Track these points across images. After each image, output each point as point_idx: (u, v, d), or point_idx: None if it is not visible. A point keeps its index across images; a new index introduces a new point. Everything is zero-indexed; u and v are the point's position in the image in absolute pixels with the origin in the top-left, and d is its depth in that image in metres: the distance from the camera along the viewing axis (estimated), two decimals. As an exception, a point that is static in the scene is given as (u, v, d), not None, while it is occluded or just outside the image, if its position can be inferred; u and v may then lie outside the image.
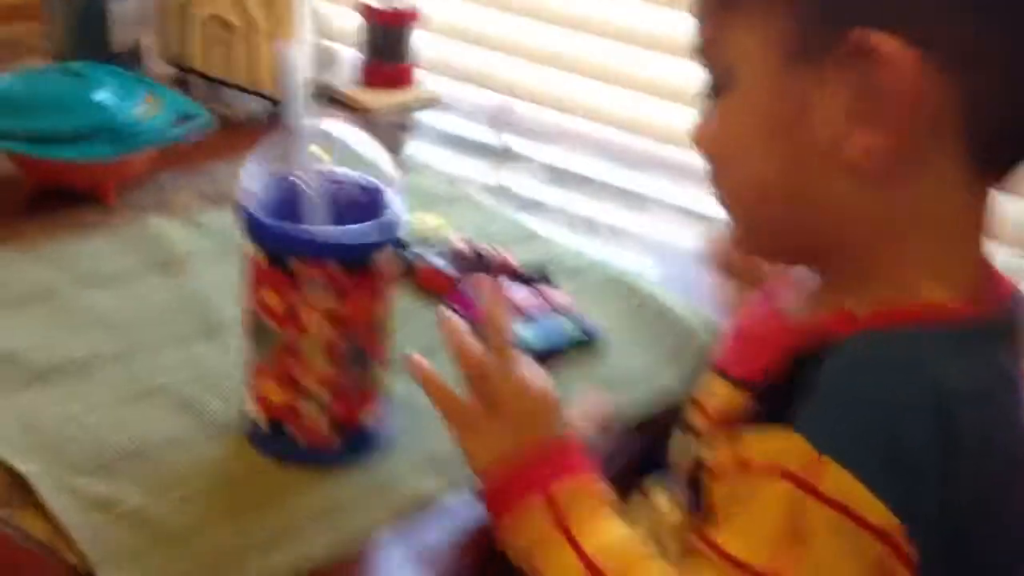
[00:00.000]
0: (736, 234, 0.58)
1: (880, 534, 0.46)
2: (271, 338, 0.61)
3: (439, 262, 0.84)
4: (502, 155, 1.19)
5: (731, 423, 0.53)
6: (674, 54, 1.26)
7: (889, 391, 0.48)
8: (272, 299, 0.61)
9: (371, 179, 0.64)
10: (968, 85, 0.48)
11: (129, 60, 1.12)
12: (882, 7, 0.48)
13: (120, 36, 1.11)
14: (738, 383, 0.55)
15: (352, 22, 1.25)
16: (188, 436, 0.65)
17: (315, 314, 0.60)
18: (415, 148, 1.18)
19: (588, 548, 0.54)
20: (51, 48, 1.13)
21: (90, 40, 1.10)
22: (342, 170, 0.64)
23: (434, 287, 0.84)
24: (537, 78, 1.36)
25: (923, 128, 0.48)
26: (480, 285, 0.64)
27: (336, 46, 1.33)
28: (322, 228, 0.61)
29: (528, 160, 1.16)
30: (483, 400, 0.60)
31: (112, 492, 0.59)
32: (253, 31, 1.10)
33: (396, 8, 1.22)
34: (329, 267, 0.60)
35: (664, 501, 0.62)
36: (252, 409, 0.64)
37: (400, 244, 0.84)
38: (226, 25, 1.12)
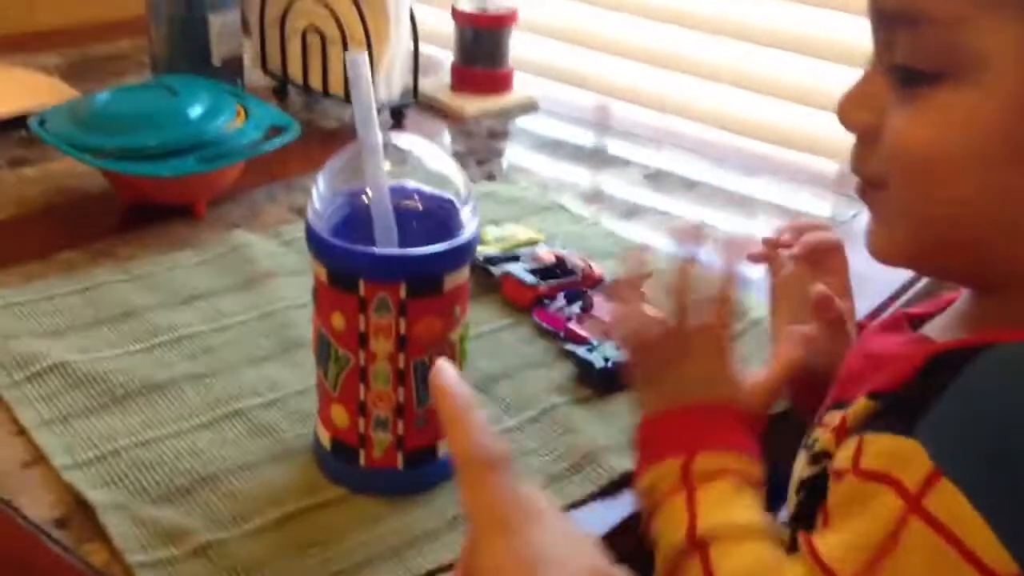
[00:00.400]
0: (890, 244, 0.50)
1: None
2: (338, 361, 0.59)
3: (526, 276, 0.81)
4: (601, 159, 1.15)
5: (856, 428, 0.48)
6: (782, 50, 1.21)
7: None
8: (339, 321, 0.58)
9: (444, 195, 0.61)
10: None
11: (228, 72, 1.12)
12: None
13: (220, 49, 1.12)
14: (870, 395, 0.49)
15: (449, 26, 1.23)
16: (261, 461, 0.64)
17: (383, 337, 0.58)
18: (511, 154, 1.15)
19: (702, 524, 0.50)
20: (153, 62, 1.14)
21: (190, 53, 1.11)
22: (414, 186, 0.62)
23: (520, 301, 0.81)
24: (637, 77, 1.32)
25: None
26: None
27: (433, 51, 1.31)
28: (391, 248, 0.59)
29: (628, 163, 1.12)
30: (679, 341, 0.57)
31: (181, 523, 0.58)
32: (349, 40, 1.09)
33: (490, 11, 1.19)
34: (398, 289, 0.57)
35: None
36: (322, 433, 0.62)
37: (475, 262, 0.82)
38: (323, 35, 1.11)
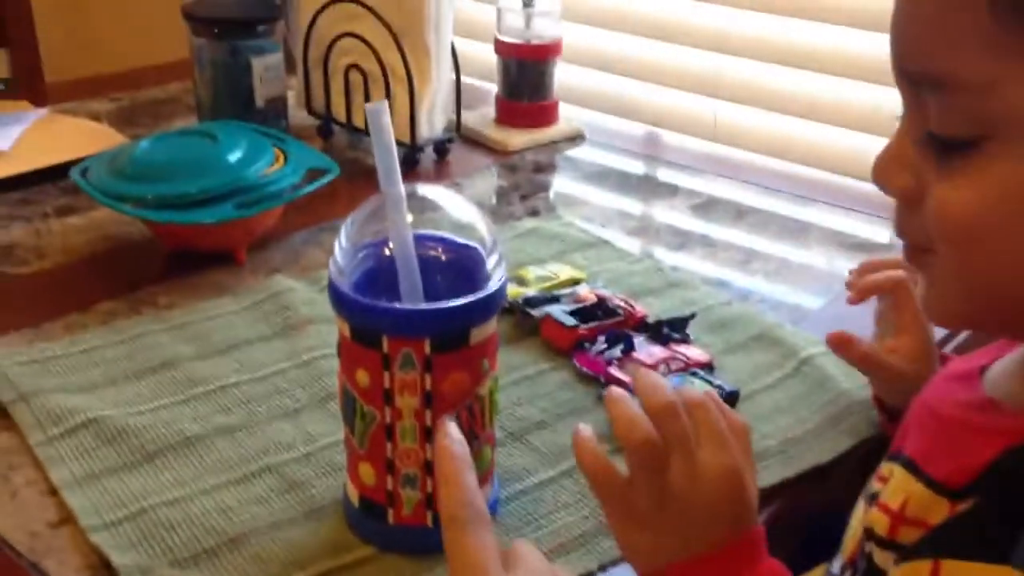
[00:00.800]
0: (943, 308, 0.48)
1: None
2: (364, 418, 0.58)
3: (566, 318, 0.79)
4: (649, 189, 1.13)
5: (925, 536, 0.44)
6: (832, 75, 1.18)
7: None
8: (363, 377, 0.57)
9: (470, 244, 0.60)
10: None
11: (272, 113, 1.13)
12: None
13: (263, 91, 1.12)
14: (935, 484, 0.46)
15: (492, 59, 1.22)
16: (290, 519, 0.62)
17: (408, 393, 0.56)
18: (557, 186, 1.13)
19: None
20: (198, 105, 1.15)
21: (234, 96, 1.11)
22: (439, 237, 0.60)
23: (560, 344, 0.78)
24: (684, 105, 1.30)
25: None
26: (636, 373, 0.55)
27: (478, 84, 1.30)
28: (416, 302, 0.57)
29: (676, 192, 1.09)
30: (655, 488, 0.51)
31: (206, 586, 0.57)
32: (390, 77, 1.08)
33: (533, 42, 1.18)
34: (422, 344, 0.55)
35: None
36: (351, 491, 0.61)
37: (514, 304, 0.80)
38: (364, 73, 1.11)
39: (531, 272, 0.87)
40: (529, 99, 1.19)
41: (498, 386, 0.60)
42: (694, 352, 0.77)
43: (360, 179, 1.07)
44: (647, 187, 1.14)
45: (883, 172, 0.47)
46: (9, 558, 0.59)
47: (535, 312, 0.81)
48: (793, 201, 1.08)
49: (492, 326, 0.58)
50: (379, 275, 0.59)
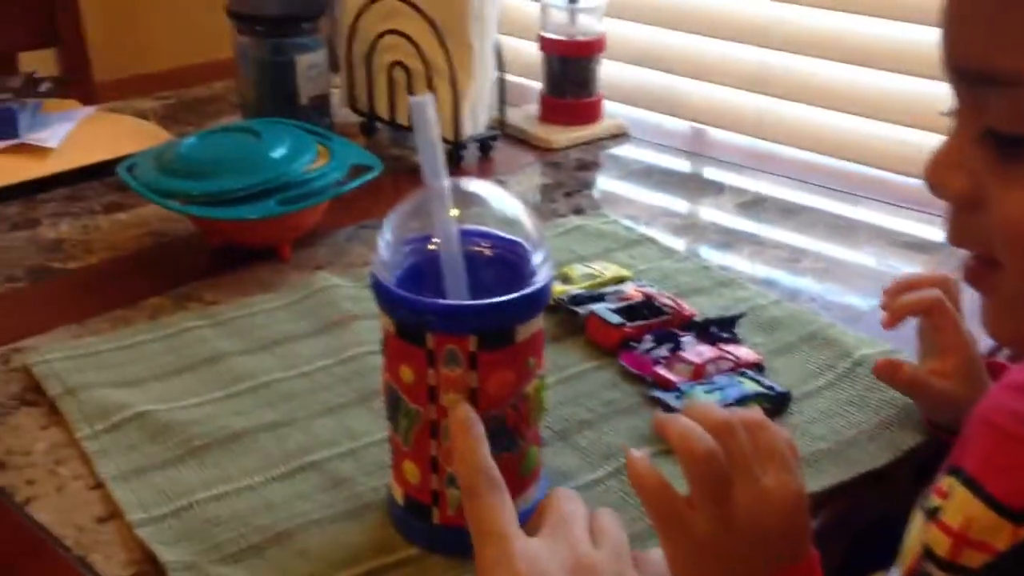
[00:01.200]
0: (1016, 329, 0.46)
1: None
2: (408, 415, 0.57)
3: (612, 316, 0.78)
4: (694, 187, 1.11)
5: (990, 563, 0.43)
6: (882, 69, 1.15)
7: None
8: (407, 374, 0.56)
9: (516, 240, 0.59)
10: None
11: (316, 111, 1.13)
12: None
13: (306, 89, 1.12)
14: (997, 505, 0.44)
15: (536, 56, 1.21)
16: (335, 517, 0.62)
17: (453, 391, 0.56)
18: (601, 184, 1.12)
19: None
20: (242, 103, 1.15)
21: (278, 94, 1.12)
22: (484, 232, 0.59)
23: (605, 343, 0.77)
24: (730, 101, 1.28)
25: None
26: (686, 405, 0.54)
27: (521, 81, 1.30)
28: (461, 298, 0.56)
29: (722, 190, 1.08)
30: (720, 508, 0.50)
31: (250, 583, 0.57)
32: (433, 75, 1.08)
33: (577, 38, 1.17)
34: (467, 341, 0.55)
35: None
36: (395, 489, 0.60)
37: (559, 302, 0.79)
38: (408, 70, 1.11)
39: (576, 270, 0.86)
40: (573, 96, 1.19)
41: (545, 384, 0.59)
42: (743, 352, 0.75)
43: (404, 176, 1.07)
44: (692, 185, 1.12)
45: (937, 174, 0.45)
46: (54, 551, 0.59)
47: (580, 310, 0.80)
48: (842, 199, 1.06)
49: (538, 323, 0.57)
50: (423, 271, 0.58)
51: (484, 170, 1.12)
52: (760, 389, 0.71)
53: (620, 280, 0.85)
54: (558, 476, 0.65)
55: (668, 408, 0.69)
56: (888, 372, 0.68)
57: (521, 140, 1.18)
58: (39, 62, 1.38)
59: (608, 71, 1.21)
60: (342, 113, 1.20)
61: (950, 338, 0.66)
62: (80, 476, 0.65)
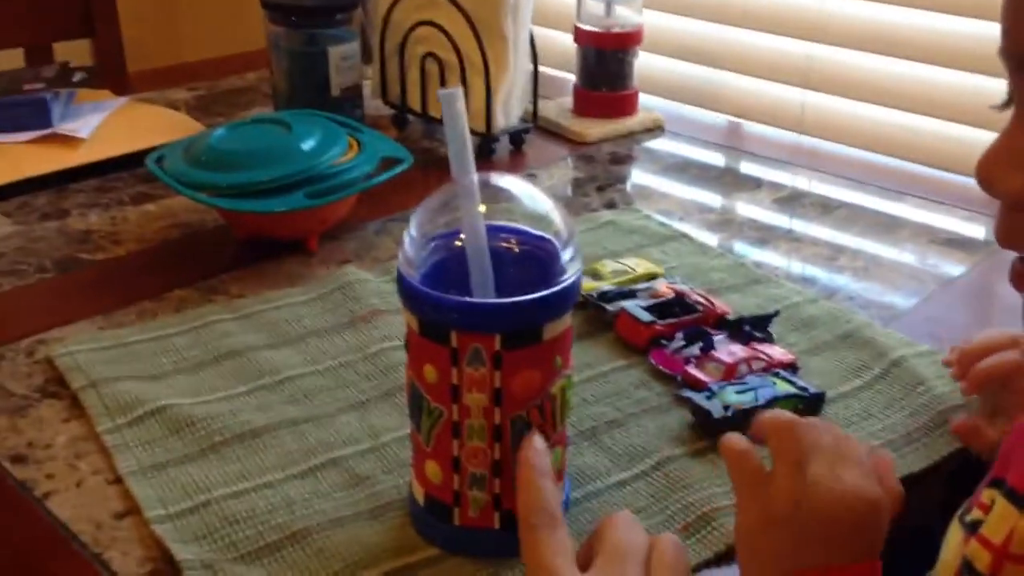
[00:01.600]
0: None
1: None
2: (431, 414, 0.56)
3: (642, 313, 0.76)
4: (730, 182, 1.09)
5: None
6: (927, 63, 1.12)
7: None
8: (430, 372, 0.55)
9: (544, 236, 0.57)
10: None
11: (348, 102, 1.12)
12: None
13: (339, 80, 1.11)
14: None
15: (571, 48, 1.19)
16: (354, 516, 0.61)
17: (477, 390, 0.54)
18: (635, 178, 1.10)
19: None
20: (274, 94, 1.15)
21: (310, 85, 1.11)
22: (512, 228, 0.58)
23: (635, 341, 0.76)
24: (768, 94, 1.26)
25: None
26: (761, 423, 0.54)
27: (555, 74, 1.28)
28: (487, 296, 0.55)
29: (759, 185, 1.05)
30: (798, 483, 0.50)
31: (267, 582, 0.55)
32: (467, 66, 1.06)
33: (614, 30, 1.15)
34: (492, 340, 0.53)
35: None
36: (416, 489, 0.59)
37: (589, 299, 0.78)
38: (441, 62, 1.09)
39: (606, 266, 0.84)
40: (608, 89, 1.17)
41: (571, 384, 0.58)
42: (777, 352, 0.73)
43: (434, 170, 1.06)
44: (729, 180, 1.10)
45: (990, 171, 0.43)
46: (71, 548, 0.59)
47: (610, 307, 0.78)
48: (883, 195, 1.03)
49: (566, 322, 0.56)
50: (450, 267, 0.56)
51: (516, 163, 1.11)
52: (793, 390, 0.69)
53: (651, 277, 0.83)
54: (584, 476, 0.64)
55: (697, 408, 0.67)
56: (968, 436, 0.66)
57: (554, 133, 1.17)
58: (74, 52, 1.39)
59: (644, 63, 1.18)
60: (374, 105, 1.18)
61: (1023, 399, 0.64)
62: (99, 471, 0.64)
